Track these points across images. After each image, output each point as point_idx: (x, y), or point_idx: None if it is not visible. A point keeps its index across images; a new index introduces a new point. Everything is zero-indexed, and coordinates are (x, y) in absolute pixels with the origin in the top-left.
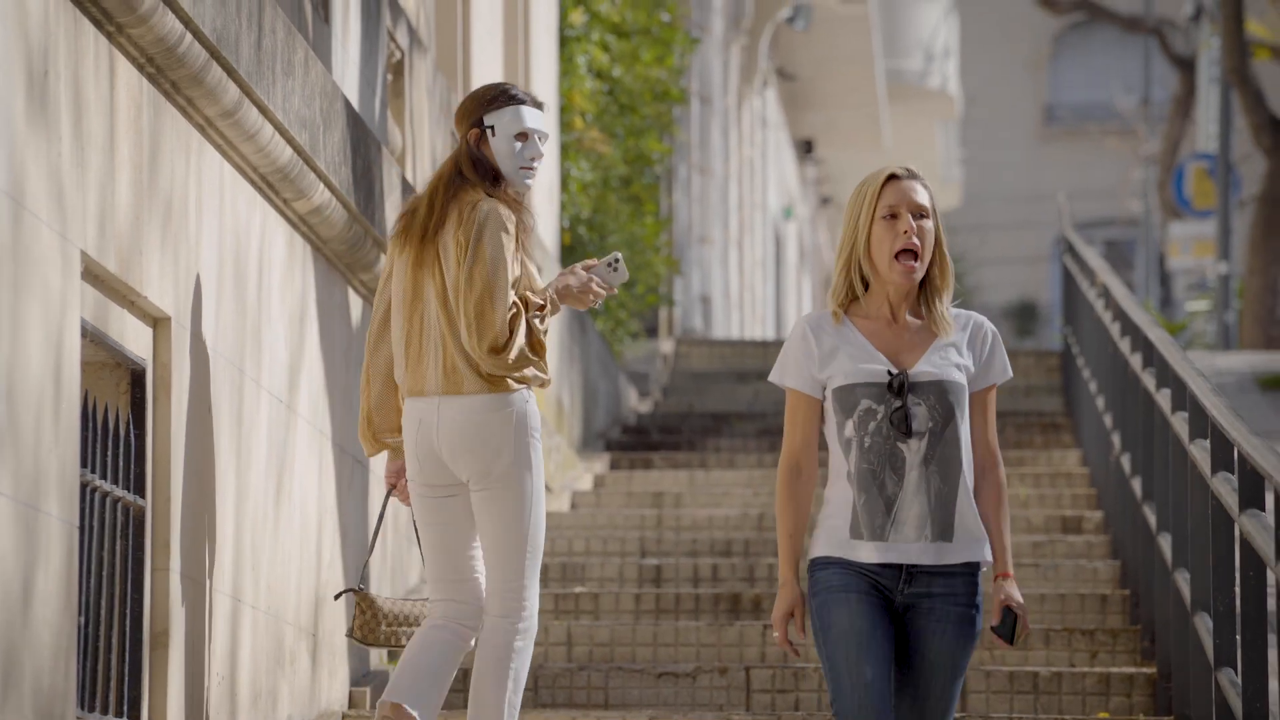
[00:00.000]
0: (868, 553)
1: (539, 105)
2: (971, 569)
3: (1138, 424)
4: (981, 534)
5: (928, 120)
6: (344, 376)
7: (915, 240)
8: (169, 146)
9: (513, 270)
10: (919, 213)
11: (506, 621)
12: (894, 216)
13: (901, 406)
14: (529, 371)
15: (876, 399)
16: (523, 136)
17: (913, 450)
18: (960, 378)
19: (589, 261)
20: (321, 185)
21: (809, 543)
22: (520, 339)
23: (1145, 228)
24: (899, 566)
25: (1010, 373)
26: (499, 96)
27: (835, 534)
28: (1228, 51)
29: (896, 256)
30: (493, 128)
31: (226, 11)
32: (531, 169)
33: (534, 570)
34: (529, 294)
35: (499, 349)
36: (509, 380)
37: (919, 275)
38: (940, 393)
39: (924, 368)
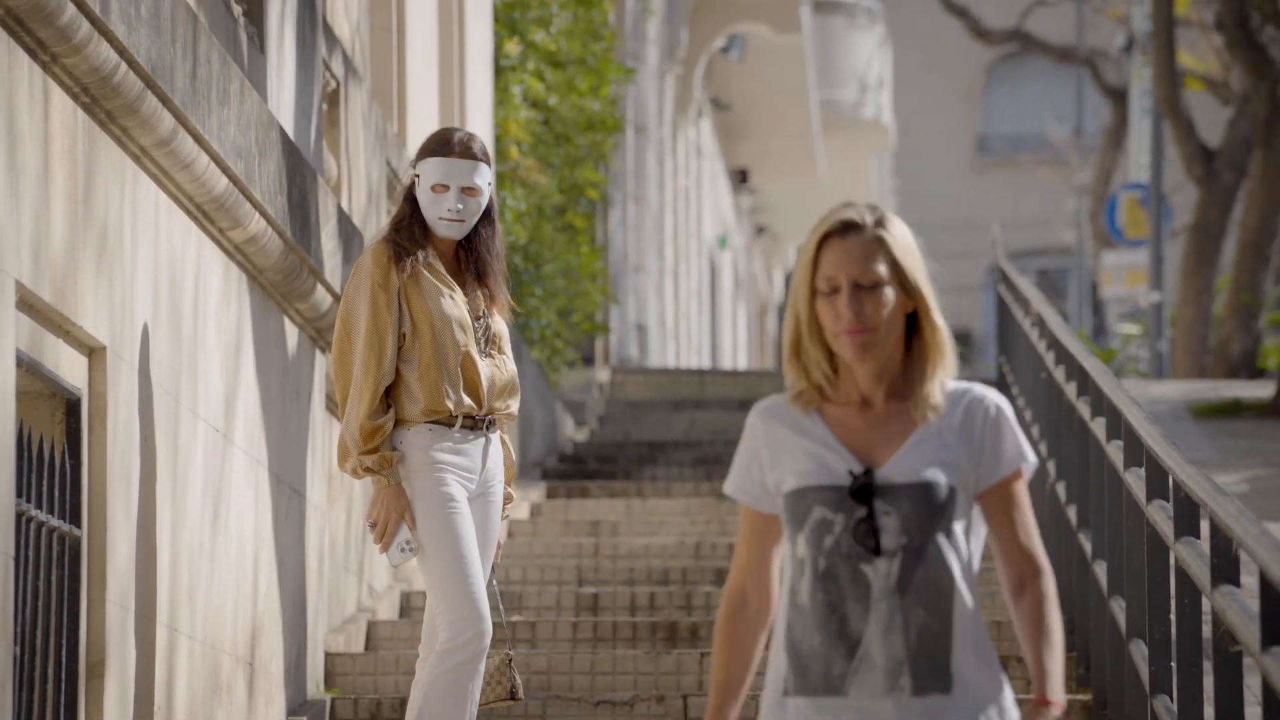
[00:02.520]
0: (808, 717)
1: (473, 157)
2: None
3: (1073, 452)
4: (997, 686)
5: (862, 150)
6: (280, 405)
7: (861, 322)
8: (104, 176)
9: (391, 313)
10: (869, 283)
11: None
12: (833, 291)
13: (867, 517)
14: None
15: (834, 507)
16: (440, 188)
17: (880, 574)
18: (945, 477)
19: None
20: (257, 215)
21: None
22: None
23: (1078, 257)
24: None
25: (1032, 456)
26: (430, 145)
27: (771, 691)
28: (1159, 82)
29: (842, 333)
30: (419, 175)
31: (161, 41)
32: (450, 220)
33: (447, 588)
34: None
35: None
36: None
37: (880, 349)
38: (917, 498)
39: (896, 466)
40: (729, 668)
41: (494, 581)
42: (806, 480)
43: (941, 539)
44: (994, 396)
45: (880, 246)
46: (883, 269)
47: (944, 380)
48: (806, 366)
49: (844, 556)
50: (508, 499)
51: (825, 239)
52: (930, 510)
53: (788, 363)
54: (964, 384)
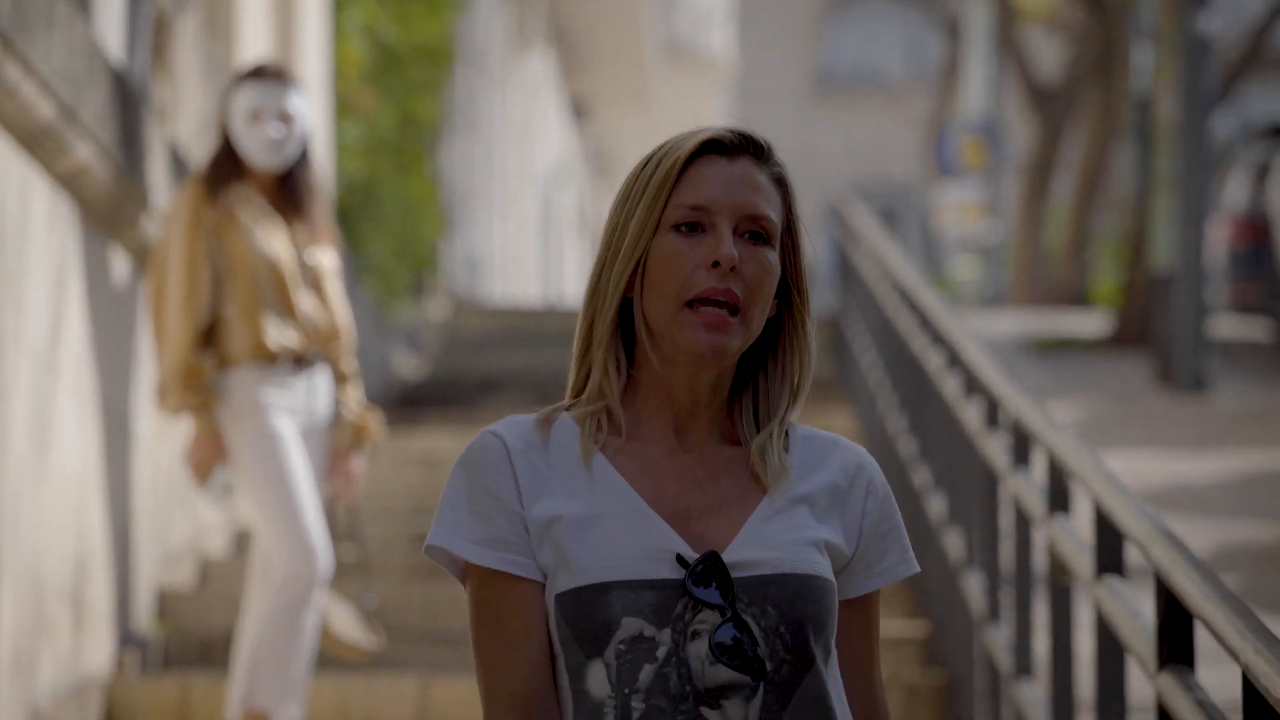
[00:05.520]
0: None
1: (288, 81)
2: None
3: (910, 385)
4: None
5: (701, 84)
6: (109, 336)
7: (733, 288)
8: None
9: (203, 251)
10: (755, 228)
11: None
12: (697, 228)
13: (727, 619)
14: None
15: (655, 615)
16: (256, 115)
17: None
18: (824, 567)
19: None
20: (84, 144)
21: None
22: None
23: (914, 193)
24: None
25: (916, 565)
26: (243, 73)
27: None
28: (997, 19)
29: (692, 304)
30: (234, 106)
31: None
32: (268, 147)
33: (277, 525)
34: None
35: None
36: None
37: (738, 347)
38: (790, 600)
39: (751, 547)
40: None
41: (343, 516)
42: (605, 570)
43: (820, 664)
44: (874, 463)
45: (779, 189)
46: (775, 218)
47: (792, 416)
48: (604, 358)
49: (673, 699)
50: (364, 432)
51: (696, 157)
52: (809, 618)
53: (575, 351)
54: (825, 434)
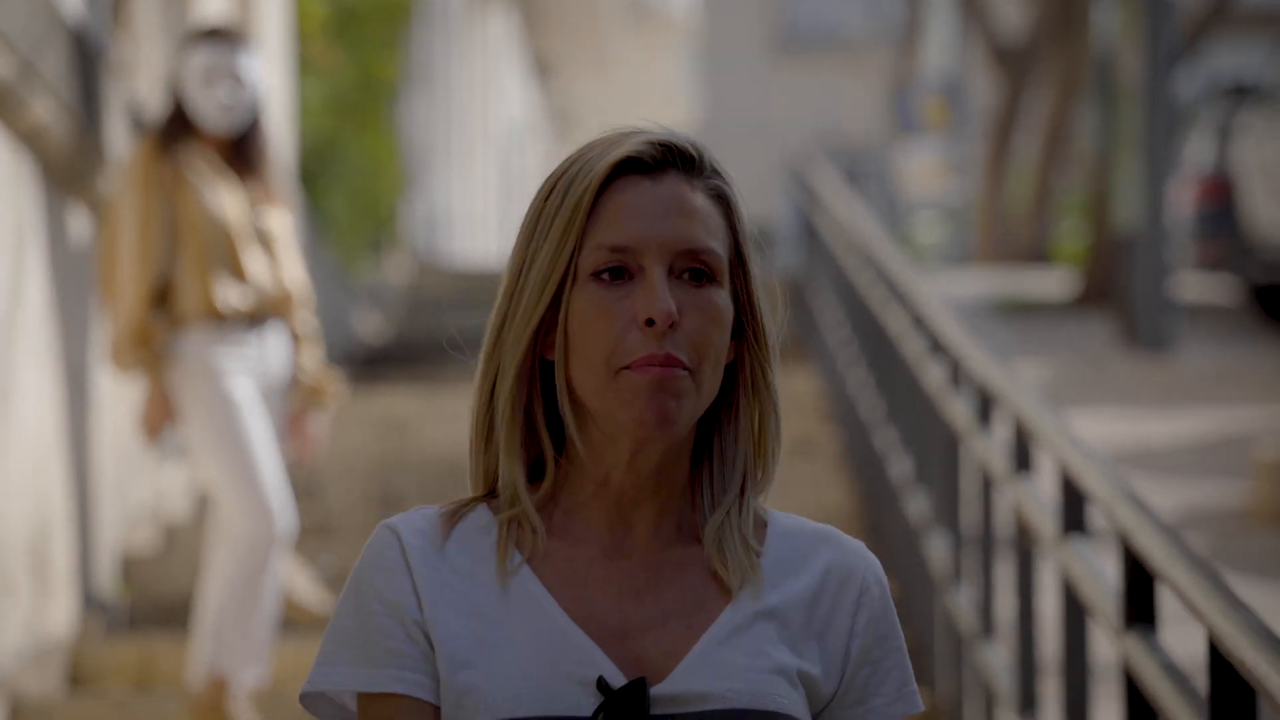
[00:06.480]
0: None
1: (240, 42)
2: None
3: (873, 346)
4: None
5: (662, 43)
6: (70, 295)
7: (674, 352)
8: None
9: (156, 211)
10: (694, 265)
11: None
12: (623, 274)
13: None
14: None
15: None
16: (209, 75)
17: None
18: (793, 703)
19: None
20: (43, 101)
21: None
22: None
23: (876, 153)
24: None
25: (919, 703)
26: (196, 33)
27: None
28: None
29: (632, 366)
30: (186, 67)
31: None
32: (219, 108)
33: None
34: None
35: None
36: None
37: (689, 418)
38: None
39: (694, 679)
40: None
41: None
42: (505, 705)
43: None
44: (877, 564)
45: (720, 206)
46: (720, 248)
47: (760, 497)
48: (511, 456)
49: None
50: (320, 394)
51: (610, 181)
52: None
53: (478, 446)
54: (815, 526)
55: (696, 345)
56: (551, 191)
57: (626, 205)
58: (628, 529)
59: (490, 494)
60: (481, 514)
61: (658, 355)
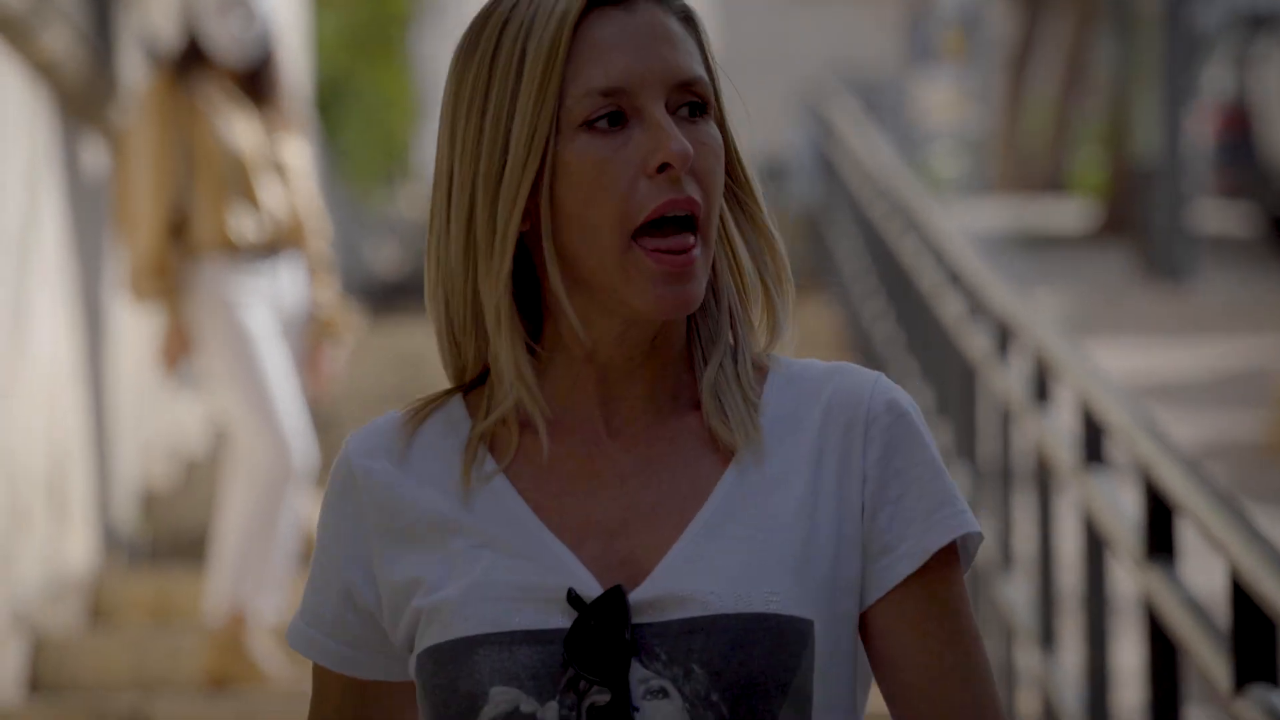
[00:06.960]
0: None
1: None
2: None
3: (890, 278)
4: None
5: None
6: (87, 226)
7: (694, 195)
8: None
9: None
10: (690, 98)
11: None
12: (620, 119)
13: (611, 706)
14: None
15: (536, 683)
16: (223, 7)
17: None
18: (788, 598)
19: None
20: (58, 32)
21: None
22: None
23: (891, 84)
24: None
25: (968, 523)
26: None
27: None
28: None
29: (637, 235)
30: (197, 4)
31: None
32: (233, 39)
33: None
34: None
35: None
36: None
37: (704, 291)
38: (723, 655)
39: (673, 579)
40: None
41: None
42: (469, 621)
43: None
44: (888, 387)
45: (691, 31)
46: (706, 76)
47: (774, 342)
48: (512, 343)
49: None
50: (334, 327)
51: (583, 15)
52: (765, 679)
53: (448, 340)
54: (823, 365)
55: (706, 189)
56: (499, 39)
57: (607, 42)
58: (616, 405)
59: (462, 388)
60: (454, 409)
61: (680, 200)
